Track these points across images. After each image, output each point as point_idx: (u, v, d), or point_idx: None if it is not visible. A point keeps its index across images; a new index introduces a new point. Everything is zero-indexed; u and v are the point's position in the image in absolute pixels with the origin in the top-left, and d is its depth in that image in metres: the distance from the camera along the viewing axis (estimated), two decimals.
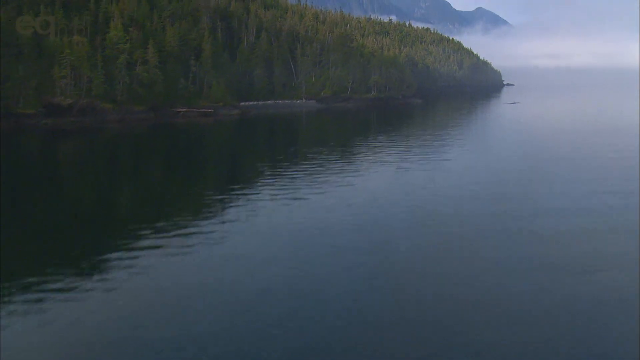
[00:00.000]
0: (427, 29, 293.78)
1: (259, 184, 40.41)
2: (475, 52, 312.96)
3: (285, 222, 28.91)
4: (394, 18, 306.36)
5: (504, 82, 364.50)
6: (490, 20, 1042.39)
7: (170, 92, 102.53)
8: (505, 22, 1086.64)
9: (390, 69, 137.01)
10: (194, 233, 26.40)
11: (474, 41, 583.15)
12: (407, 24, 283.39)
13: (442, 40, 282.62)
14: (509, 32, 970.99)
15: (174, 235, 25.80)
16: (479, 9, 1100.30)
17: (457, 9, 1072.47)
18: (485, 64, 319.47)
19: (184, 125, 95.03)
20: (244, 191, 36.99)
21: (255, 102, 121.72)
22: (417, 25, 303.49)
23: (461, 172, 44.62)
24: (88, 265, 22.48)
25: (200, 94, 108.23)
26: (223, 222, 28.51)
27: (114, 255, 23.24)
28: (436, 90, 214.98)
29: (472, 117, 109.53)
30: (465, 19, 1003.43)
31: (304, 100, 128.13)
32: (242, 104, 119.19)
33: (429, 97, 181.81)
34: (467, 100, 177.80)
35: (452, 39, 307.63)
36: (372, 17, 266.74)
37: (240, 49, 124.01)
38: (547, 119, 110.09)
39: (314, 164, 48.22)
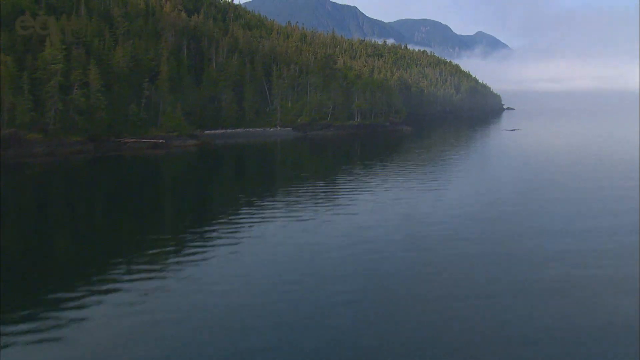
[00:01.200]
0: (424, 52, 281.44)
1: (213, 228, 34.83)
2: (473, 76, 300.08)
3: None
4: (391, 41, 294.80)
5: (504, 106, 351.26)
6: (489, 43, 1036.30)
7: (117, 120, 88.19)
8: (504, 45, 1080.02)
9: (377, 92, 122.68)
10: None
11: (473, 65, 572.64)
12: (402, 46, 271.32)
13: (439, 63, 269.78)
14: (508, 56, 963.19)
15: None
16: (479, 32, 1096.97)
17: (458, 33, 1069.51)
18: (485, 87, 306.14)
19: (130, 158, 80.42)
20: (193, 239, 32.04)
21: (223, 131, 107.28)
22: (416, 48, 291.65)
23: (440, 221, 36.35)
24: None
25: (155, 121, 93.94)
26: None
27: None
28: (431, 115, 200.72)
29: (465, 149, 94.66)
30: (465, 43, 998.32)
31: (278, 128, 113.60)
32: (207, 132, 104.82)
33: (423, 123, 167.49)
34: (464, 126, 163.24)
35: (450, 61, 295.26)
36: (368, 39, 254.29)
37: (206, 71, 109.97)
38: (548, 149, 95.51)
39: (281, 201, 44.03)
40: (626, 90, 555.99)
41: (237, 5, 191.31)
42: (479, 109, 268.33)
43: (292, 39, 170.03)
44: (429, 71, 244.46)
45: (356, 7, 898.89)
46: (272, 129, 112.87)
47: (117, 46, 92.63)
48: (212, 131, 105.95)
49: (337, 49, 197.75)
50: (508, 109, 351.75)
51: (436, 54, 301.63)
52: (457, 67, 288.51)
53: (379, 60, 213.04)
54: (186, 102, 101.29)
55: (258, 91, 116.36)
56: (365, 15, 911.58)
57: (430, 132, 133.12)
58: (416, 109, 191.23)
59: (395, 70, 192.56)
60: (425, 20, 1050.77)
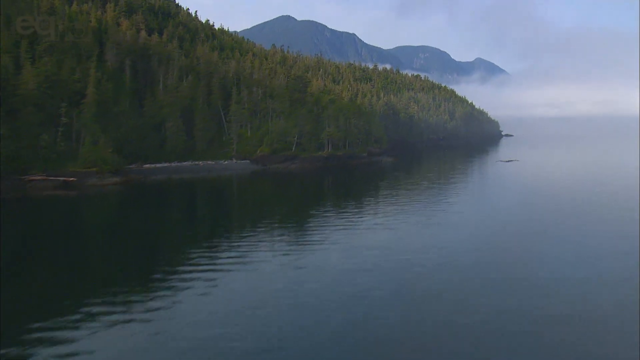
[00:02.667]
0: (417, 76, 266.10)
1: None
2: (470, 101, 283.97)
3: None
4: (388, 66, 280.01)
5: (503, 133, 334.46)
6: (487, 69, 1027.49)
7: (23, 153, 71.06)
8: (502, 70, 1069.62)
9: (352, 119, 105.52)
10: None
11: (471, 90, 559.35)
12: (394, 70, 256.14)
13: (433, 87, 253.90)
14: (506, 81, 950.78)
15: None
16: (478, 59, 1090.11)
17: (457, 59, 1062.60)
18: (481, 113, 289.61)
19: (31, 202, 63.09)
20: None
21: (166, 164, 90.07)
22: (411, 74, 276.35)
23: None
24: None
25: (76, 154, 76.87)
26: None
27: None
28: (422, 143, 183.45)
29: (447, 187, 76.67)
30: (464, 69, 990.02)
31: (234, 161, 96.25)
32: (147, 166, 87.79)
33: (411, 153, 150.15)
34: (456, 156, 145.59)
35: (445, 86, 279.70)
36: (357, 63, 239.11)
37: (149, 95, 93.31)
38: (546, 186, 77.87)
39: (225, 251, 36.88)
40: (627, 115, 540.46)
41: (212, 27, 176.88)
42: (476, 136, 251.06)
43: (268, 61, 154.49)
44: (422, 96, 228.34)
45: (355, 34, 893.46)
46: (226, 162, 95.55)
47: (29, 64, 76.09)
48: (153, 165, 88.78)
49: (321, 71, 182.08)
50: (507, 135, 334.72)
51: (434, 80, 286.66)
52: (452, 92, 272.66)
53: (366, 84, 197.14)
54: (120, 130, 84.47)
55: (213, 118, 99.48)
56: (363, 42, 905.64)
57: (415, 164, 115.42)
58: (405, 136, 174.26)
59: (382, 95, 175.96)
60: (424, 46, 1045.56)
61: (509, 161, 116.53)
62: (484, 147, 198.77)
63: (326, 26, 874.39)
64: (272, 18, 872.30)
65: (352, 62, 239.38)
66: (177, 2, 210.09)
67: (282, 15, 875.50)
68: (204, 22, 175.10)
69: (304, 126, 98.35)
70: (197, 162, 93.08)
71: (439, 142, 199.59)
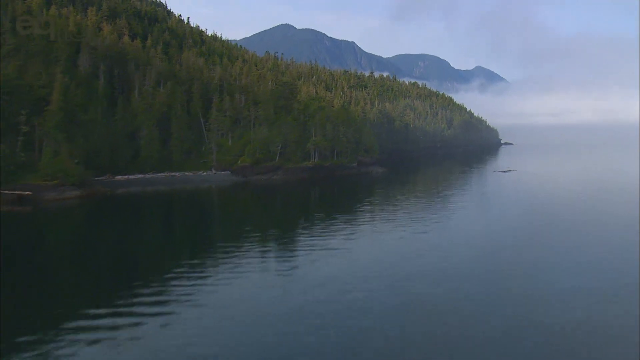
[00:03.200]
0: (414, 83, 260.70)
1: None
2: (468, 109, 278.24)
3: None
4: (385, 74, 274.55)
5: (502, 141, 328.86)
6: (487, 76, 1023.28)
7: None
8: (501, 78, 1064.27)
9: (341, 127, 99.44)
10: None
11: (471, 99, 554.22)
12: (391, 77, 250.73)
13: (430, 95, 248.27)
14: (506, 89, 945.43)
15: None
16: (477, 67, 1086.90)
17: (456, 68, 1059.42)
18: (480, 121, 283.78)
19: None
20: None
21: (140, 176, 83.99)
22: (411, 81, 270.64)
23: None
24: None
25: (38, 165, 70.82)
26: None
27: None
28: (418, 152, 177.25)
29: (437, 203, 70.25)
30: (464, 78, 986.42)
31: (213, 172, 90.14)
32: (119, 178, 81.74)
33: (405, 162, 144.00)
34: (451, 166, 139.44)
35: (443, 94, 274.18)
36: (353, 70, 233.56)
37: (121, 102, 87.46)
38: (543, 198, 71.65)
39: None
40: (627, 123, 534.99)
41: (201, 33, 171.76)
42: (474, 144, 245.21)
43: (258, 67, 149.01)
44: (419, 104, 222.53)
45: (354, 43, 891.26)
46: (205, 173, 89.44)
47: None
48: (126, 177, 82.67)
49: (314, 78, 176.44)
50: (506, 143, 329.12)
51: (432, 88, 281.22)
52: (450, 99, 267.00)
53: (361, 91, 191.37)
54: (89, 140, 78.50)
55: (192, 127, 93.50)
56: (363, 50, 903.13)
57: (407, 175, 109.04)
58: (400, 145, 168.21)
59: (377, 103, 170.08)
60: (423, 55, 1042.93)
61: (506, 171, 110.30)
62: (483, 155, 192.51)
63: (325, 34, 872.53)
64: (271, 27, 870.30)
65: (347, 69, 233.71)
66: (169, 8, 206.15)
67: (282, 24, 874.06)
68: (194, 28, 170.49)
69: (289, 135, 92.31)
70: (173, 174, 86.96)
71: (436, 151, 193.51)
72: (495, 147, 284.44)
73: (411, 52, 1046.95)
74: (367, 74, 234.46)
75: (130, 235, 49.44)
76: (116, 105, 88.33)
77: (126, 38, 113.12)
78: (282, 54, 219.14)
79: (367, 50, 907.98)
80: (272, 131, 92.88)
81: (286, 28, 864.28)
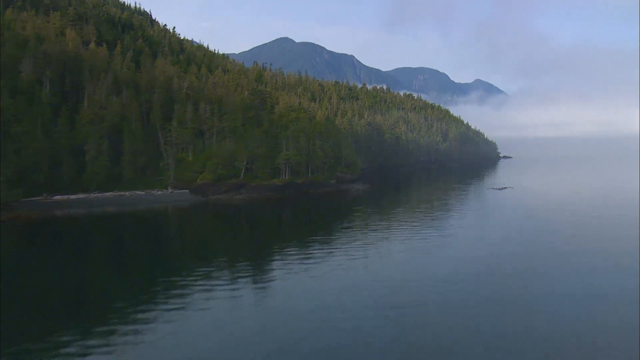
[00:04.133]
0: (409, 95, 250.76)
1: None
2: (465, 121, 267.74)
3: None
4: (378, 86, 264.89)
5: (501, 155, 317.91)
6: (485, 89, 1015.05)
7: None
8: (500, 90, 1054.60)
9: (317, 140, 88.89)
10: None
11: (469, 111, 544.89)
12: (385, 88, 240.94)
13: (425, 107, 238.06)
14: (505, 101, 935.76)
15: None
16: (477, 80, 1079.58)
17: (456, 80, 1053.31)
18: (478, 134, 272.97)
19: None
20: None
21: (84, 195, 73.26)
22: (406, 93, 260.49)
23: None
24: None
25: None
26: None
27: None
28: (410, 166, 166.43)
29: (417, 228, 59.26)
30: (463, 91, 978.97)
31: (169, 191, 79.38)
32: (57, 198, 71.05)
33: (393, 179, 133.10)
34: (443, 182, 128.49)
35: (439, 105, 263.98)
36: (345, 82, 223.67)
37: (63, 112, 77.01)
38: (539, 220, 60.85)
39: None
40: (628, 134, 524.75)
41: (182, 41, 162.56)
42: (471, 158, 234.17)
43: (234, 75, 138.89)
44: (413, 116, 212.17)
45: (353, 56, 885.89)
46: (159, 192, 78.62)
47: None
48: (66, 196, 71.97)
49: (300, 88, 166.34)
50: (505, 157, 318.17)
51: (429, 101, 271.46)
52: (446, 112, 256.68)
53: (352, 103, 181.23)
54: (21, 155, 68.07)
55: (148, 140, 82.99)
56: (362, 63, 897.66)
57: (391, 193, 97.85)
58: (391, 159, 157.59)
59: (367, 114, 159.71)
60: (423, 68, 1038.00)
61: (502, 189, 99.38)
62: (479, 170, 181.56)
63: (324, 48, 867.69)
64: (270, 40, 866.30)
65: (339, 80, 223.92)
66: (154, 18, 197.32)
67: (281, 38, 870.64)
68: (175, 37, 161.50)
69: (257, 149, 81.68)
70: (122, 193, 76.19)
71: (430, 166, 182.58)
72: (494, 160, 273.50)
73: (410, 66, 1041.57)
74: (360, 85, 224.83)
75: (56, 268, 39.18)
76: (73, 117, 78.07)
77: (92, 45, 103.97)
78: (271, 64, 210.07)
79: (366, 64, 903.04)
80: (238, 145, 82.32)
81: (285, 41, 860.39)
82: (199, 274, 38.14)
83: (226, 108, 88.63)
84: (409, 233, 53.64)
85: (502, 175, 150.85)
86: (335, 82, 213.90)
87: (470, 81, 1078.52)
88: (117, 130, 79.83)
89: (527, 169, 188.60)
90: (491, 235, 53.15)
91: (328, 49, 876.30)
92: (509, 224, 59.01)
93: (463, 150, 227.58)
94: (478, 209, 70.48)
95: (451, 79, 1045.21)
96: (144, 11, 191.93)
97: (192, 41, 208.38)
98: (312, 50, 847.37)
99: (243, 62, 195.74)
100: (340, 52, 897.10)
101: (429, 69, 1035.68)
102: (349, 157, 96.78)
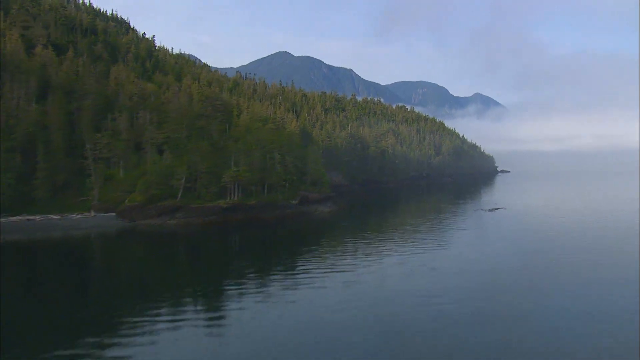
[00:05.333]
0: (402, 107, 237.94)
1: None
2: (461, 134, 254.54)
3: None
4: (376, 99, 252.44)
5: (498, 169, 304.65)
6: (483, 102, 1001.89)
7: None
8: (497, 103, 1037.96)
9: (275, 154, 75.33)
10: None
11: (467, 125, 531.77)
12: (376, 100, 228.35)
13: (418, 119, 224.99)
14: (503, 114, 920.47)
15: None
16: (476, 94, 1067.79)
17: (455, 95, 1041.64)
18: (474, 147, 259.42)
19: None
20: None
21: None
22: (399, 105, 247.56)
23: None
24: None
25: None
26: None
27: None
28: (397, 183, 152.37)
29: (376, 265, 45.26)
30: (462, 104, 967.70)
31: (92, 215, 65.67)
32: None
33: (374, 196, 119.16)
34: (428, 202, 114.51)
35: (433, 118, 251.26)
36: (333, 93, 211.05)
37: None
38: (531, 247, 46.99)
39: None
40: (628, 148, 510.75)
41: (155, 48, 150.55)
42: (466, 173, 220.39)
43: (202, 83, 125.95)
44: (404, 128, 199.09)
45: (352, 70, 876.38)
46: (78, 216, 64.92)
47: None
48: None
49: (280, 98, 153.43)
50: (503, 171, 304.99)
51: (428, 114, 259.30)
52: (441, 124, 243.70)
53: (338, 114, 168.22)
54: None
55: (71, 153, 69.51)
56: (361, 77, 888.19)
57: (360, 216, 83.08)
58: (375, 174, 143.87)
59: (350, 126, 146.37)
60: (422, 82, 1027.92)
61: (493, 210, 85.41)
62: (473, 186, 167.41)
63: (323, 62, 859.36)
64: (269, 54, 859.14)
65: (325, 92, 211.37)
66: (132, 26, 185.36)
67: (279, 52, 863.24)
68: (145, 43, 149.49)
69: (200, 164, 68.09)
70: (32, 217, 62.55)
71: (421, 181, 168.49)
72: (491, 175, 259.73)
73: (410, 80, 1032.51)
74: (346, 95, 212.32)
75: None
76: None
77: (38, 48, 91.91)
78: (254, 74, 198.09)
79: (364, 78, 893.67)
80: (177, 160, 68.82)
81: (283, 55, 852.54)
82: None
83: (168, 117, 75.28)
84: (351, 275, 39.69)
85: (497, 192, 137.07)
86: (322, 92, 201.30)
87: (469, 95, 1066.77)
88: (32, 142, 66.50)
89: (524, 185, 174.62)
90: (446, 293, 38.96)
91: (326, 62, 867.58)
92: (482, 272, 44.57)
93: (457, 165, 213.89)
94: (453, 243, 55.99)
95: (450, 92, 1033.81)
96: (121, 18, 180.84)
97: (189, 55, 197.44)
98: (311, 64, 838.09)
99: (243, 75, 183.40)
100: (338, 65, 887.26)
101: (428, 82, 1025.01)
102: (315, 173, 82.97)
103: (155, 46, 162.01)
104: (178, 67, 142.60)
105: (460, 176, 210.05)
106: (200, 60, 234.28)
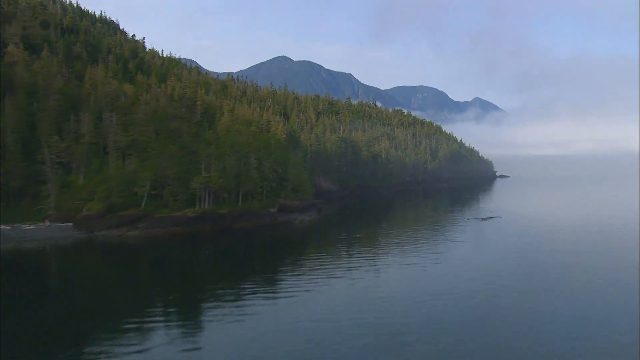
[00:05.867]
0: (398, 110, 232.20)
1: None
2: (459, 139, 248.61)
3: None
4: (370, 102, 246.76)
5: (497, 174, 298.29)
6: (482, 106, 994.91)
7: None
8: (496, 107, 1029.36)
9: (252, 158, 69.53)
10: None
11: (467, 129, 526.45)
12: (371, 103, 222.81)
13: (414, 122, 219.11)
14: (502, 118, 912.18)
15: None
16: (476, 98, 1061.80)
17: (455, 99, 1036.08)
18: (472, 151, 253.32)
19: None
20: None
21: None
22: (395, 109, 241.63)
23: None
24: None
25: None
26: None
27: None
28: (390, 189, 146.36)
29: (348, 285, 39.50)
30: (462, 109, 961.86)
31: (46, 225, 59.80)
32: None
33: (365, 203, 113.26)
34: (419, 209, 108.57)
35: (430, 122, 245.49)
36: (328, 96, 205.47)
37: None
38: (524, 259, 41.13)
39: None
40: (628, 152, 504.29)
41: (143, 50, 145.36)
42: (463, 178, 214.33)
43: (189, 84, 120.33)
44: (399, 132, 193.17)
45: (351, 74, 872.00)
46: (32, 227, 59.07)
47: None
48: None
49: (270, 101, 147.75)
50: (502, 176, 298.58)
51: (428, 119, 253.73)
52: (438, 128, 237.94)
53: (330, 118, 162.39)
54: None
55: (26, 158, 63.74)
56: (360, 82, 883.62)
57: (343, 225, 76.78)
58: (369, 180, 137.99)
59: (341, 130, 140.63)
60: (421, 87, 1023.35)
61: (487, 218, 79.44)
62: (470, 191, 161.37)
63: (322, 66, 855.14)
64: (268, 59, 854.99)
65: (318, 94, 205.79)
66: (122, 27, 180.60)
67: (279, 56, 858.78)
68: (131, 44, 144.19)
69: (167, 169, 62.30)
70: None
71: (416, 186, 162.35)
72: (489, 180, 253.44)
73: (409, 84, 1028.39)
74: (341, 99, 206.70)
75: None
76: None
77: (10, 47, 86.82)
78: (245, 77, 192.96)
79: (364, 82, 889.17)
80: (143, 164, 63.04)
81: (283, 60, 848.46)
82: None
83: (136, 118, 69.52)
84: (315, 296, 33.87)
85: (493, 198, 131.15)
86: (316, 95, 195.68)
87: (469, 99, 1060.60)
88: None
89: (522, 191, 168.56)
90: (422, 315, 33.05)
91: (326, 67, 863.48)
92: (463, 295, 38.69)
93: (454, 170, 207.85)
94: (436, 259, 49.79)
95: (450, 97, 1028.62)
96: (110, 20, 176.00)
97: (190, 60, 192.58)
98: (310, 68, 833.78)
99: (246, 79, 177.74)
100: (338, 70, 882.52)
101: (427, 87, 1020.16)
102: (297, 179, 77.00)
103: (146, 48, 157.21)
104: (164, 68, 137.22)
105: (457, 181, 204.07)
106: (198, 65, 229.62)
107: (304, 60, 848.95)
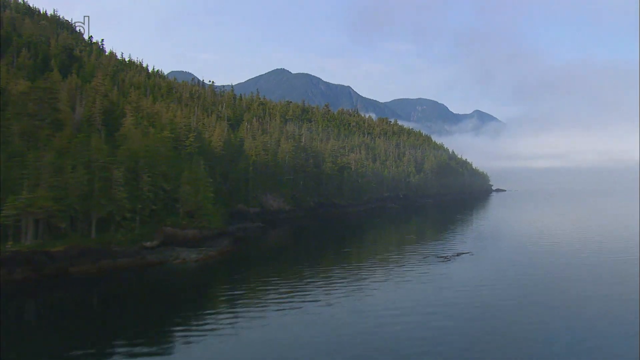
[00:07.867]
0: (384, 119, 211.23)
1: None
2: (450, 150, 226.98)
3: None
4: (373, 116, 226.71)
5: (493, 187, 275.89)
6: (480, 117, 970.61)
7: None
8: (493, 117, 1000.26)
9: (113, 170, 48.26)
10: None
11: (465, 141, 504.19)
12: (352, 111, 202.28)
13: (400, 132, 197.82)
14: (501, 130, 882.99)
15: None
16: (476, 111, 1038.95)
17: (454, 112, 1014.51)
18: (464, 163, 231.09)
19: None
20: None
21: None
22: (380, 117, 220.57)
23: None
24: None
25: None
26: None
27: None
28: (362, 206, 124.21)
29: None
30: (460, 120, 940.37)
31: None
32: None
33: (313, 227, 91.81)
34: (380, 235, 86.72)
35: (419, 131, 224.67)
36: (307, 104, 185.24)
37: None
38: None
39: None
40: (631, 164, 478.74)
41: (115, 59, 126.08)
42: (452, 193, 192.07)
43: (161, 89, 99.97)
44: (381, 142, 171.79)
45: (350, 87, 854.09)
46: None
47: None
48: None
49: (222, 106, 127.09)
50: (498, 190, 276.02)
51: (425, 132, 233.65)
52: (427, 138, 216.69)
53: (301, 125, 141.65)
54: None
55: None
56: (359, 94, 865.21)
57: (253, 264, 54.73)
58: (334, 196, 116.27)
59: (303, 137, 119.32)
60: (421, 99, 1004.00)
61: (453, 256, 57.22)
62: (455, 209, 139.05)
63: (320, 79, 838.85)
64: (266, 72, 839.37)
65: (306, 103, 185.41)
66: (94, 40, 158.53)
67: (277, 69, 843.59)
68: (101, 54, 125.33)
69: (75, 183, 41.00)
70: None
71: (390, 204, 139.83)
72: (483, 195, 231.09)
73: (409, 97, 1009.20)
74: (319, 106, 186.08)
75: None
76: None
77: None
78: (212, 81, 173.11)
79: (363, 95, 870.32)
80: (57, 178, 41.90)
81: (281, 73, 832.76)
82: None
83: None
84: None
85: (477, 220, 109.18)
86: (287, 101, 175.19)
87: (469, 112, 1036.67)
88: None
89: (515, 209, 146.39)
90: None
91: (324, 80, 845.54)
92: None
93: (442, 184, 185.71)
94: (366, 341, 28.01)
95: (450, 110, 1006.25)
96: (64, 20, 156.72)
97: (188, 73, 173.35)
98: (309, 81, 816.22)
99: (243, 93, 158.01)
100: (336, 83, 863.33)
101: (427, 100, 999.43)
102: (193, 199, 55.53)
103: (105, 51, 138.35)
104: (105, 67, 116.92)
105: (446, 196, 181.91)
106: (196, 77, 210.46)
107: (303, 73, 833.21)
